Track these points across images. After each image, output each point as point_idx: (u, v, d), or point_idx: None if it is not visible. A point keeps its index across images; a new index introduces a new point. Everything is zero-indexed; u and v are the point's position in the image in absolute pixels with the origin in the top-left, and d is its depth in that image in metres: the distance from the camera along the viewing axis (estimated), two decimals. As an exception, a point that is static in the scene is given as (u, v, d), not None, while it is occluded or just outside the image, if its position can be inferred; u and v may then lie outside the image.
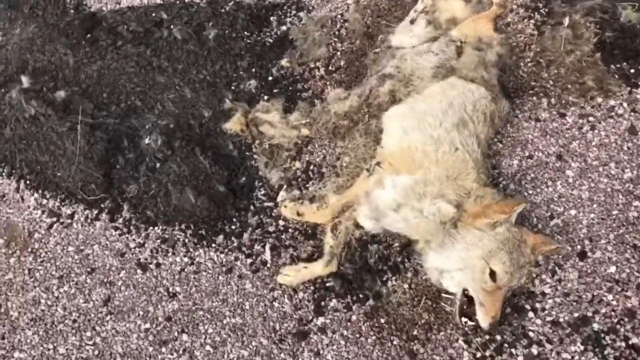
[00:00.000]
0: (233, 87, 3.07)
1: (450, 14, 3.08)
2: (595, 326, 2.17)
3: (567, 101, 2.79)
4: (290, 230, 2.57)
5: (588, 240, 2.36)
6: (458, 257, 2.10)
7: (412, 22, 3.14)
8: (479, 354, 2.16)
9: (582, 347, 2.12)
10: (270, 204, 2.66)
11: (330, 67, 3.12)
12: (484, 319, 2.05)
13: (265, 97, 3.01)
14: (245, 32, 3.30)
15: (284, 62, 3.14)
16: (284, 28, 3.32)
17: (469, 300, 2.15)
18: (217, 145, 2.86)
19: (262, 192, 2.71)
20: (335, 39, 3.23)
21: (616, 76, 2.81)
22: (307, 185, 2.70)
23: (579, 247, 2.36)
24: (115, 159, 2.80)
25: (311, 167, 2.76)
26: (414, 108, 2.52)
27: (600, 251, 2.33)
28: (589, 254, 2.33)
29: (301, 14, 3.38)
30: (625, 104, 2.73)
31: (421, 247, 2.30)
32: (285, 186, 2.69)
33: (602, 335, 2.14)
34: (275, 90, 3.05)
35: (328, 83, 3.06)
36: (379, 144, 2.64)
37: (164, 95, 3.06)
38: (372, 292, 2.34)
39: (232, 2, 3.48)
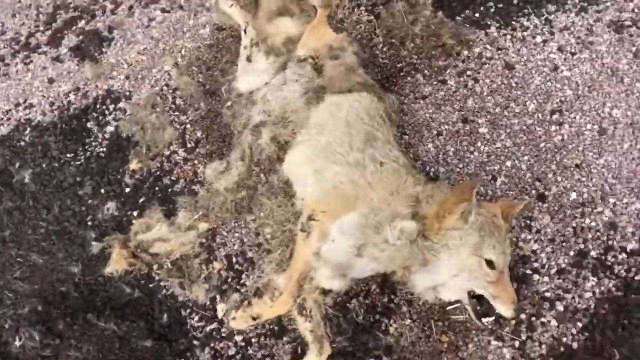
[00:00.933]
0: (90, 223, 3.02)
1: (284, 35, 3.45)
2: (593, 253, 2.61)
3: (438, 67, 3.32)
4: (254, 340, 2.61)
5: (538, 182, 2.84)
6: (449, 266, 2.34)
7: (249, 60, 3.44)
8: (517, 343, 2.44)
9: (595, 279, 2.54)
10: (214, 325, 2.67)
11: (188, 144, 3.26)
12: (506, 309, 2.31)
13: (135, 214, 3.02)
14: (67, 155, 3.28)
15: (133, 165, 3.19)
16: (110, 129, 3.37)
17: (478, 299, 2.42)
18: (110, 297, 2.78)
19: (196, 318, 2.70)
20: (176, 113, 3.38)
21: (467, 25, 3.43)
22: (242, 282, 2.76)
23: (534, 192, 2.81)
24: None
25: (234, 260, 2.84)
26: (315, 145, 2.76)
27: (553, 185, 2.81)
28: (546, 192, 2.80)
29: (121, 104, 3.47)
30: (488, 46, 3.35)
31: (401, 275, 2.52)
32: (218, 297, 2.73)
33: (603, 257, 2.59)
34: (142, 200, 3.07)
35: (196, 162, 3.18)
36: (292, 198, 2.84)
37: (7, 277, 2.89)
38: (382, 349, 2.49)
39: (29, 128, 3.43)
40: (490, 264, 2.30)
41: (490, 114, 3.09)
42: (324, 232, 2.53)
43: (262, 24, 3.52)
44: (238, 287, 2.73)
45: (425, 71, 3.31)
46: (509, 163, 2.92)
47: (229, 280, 2.76)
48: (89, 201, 3.08)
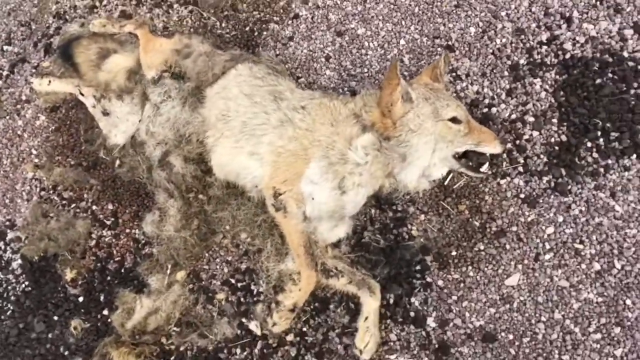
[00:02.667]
0: (67, 352, 3.13)
1: (122, 72, 3.64)
2: (522, 61, 3.14)
3: (283, 8, 3.72)
4: (305, 329, 2.88)
5: (437, 39, 3.33)
6: (424, 145, 2.76)
7: (105, 114, 3.60)
8: (520, 168, 2.91)
9: (539, 79, 3.07)
10: (260, 344, 2.91)
11: (107, 222, 3.38)
12: (493, 146, 2.80)
13: (106, 312, 3.15)
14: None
15: (68, 275, 3.26)
16: (17, 262, 3.41)
17: (465, 157, 2.84)
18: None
19: (239, 351, 2.91)
20: (72, 205, 3.47)
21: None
22: (256, 292, 3.00)
23: (440, 48, 3.30)
24: None
25: (233, 281, 3.07)
26: (231, 134, 3.01)
27: (451, 33, 3.31)
28: (450, 42, 3.30)
29: (10, 235, 3.51)
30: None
31: (389, 185, 2.87)
32: (244, 319, 2.96)
33: (531, 59, 3.14)
34: (103, 298, 3.20)
35: (128, 230, 3.33)
36: (243, 197, 3.09)
37: None
38: (420, 252, 2.87)
39: None
40: (454, 120, 2.75)
41: (356, 15, 3.54)
42: (297, 197, 2.82)
43: (93, 76, 3.68)
44: (255, 299, 2.96)
45: (275, 18, 3.69)
46: (402, 41, 3.38)
47: (242, 299, 2.97)
48: (49, 335, 3.13)
